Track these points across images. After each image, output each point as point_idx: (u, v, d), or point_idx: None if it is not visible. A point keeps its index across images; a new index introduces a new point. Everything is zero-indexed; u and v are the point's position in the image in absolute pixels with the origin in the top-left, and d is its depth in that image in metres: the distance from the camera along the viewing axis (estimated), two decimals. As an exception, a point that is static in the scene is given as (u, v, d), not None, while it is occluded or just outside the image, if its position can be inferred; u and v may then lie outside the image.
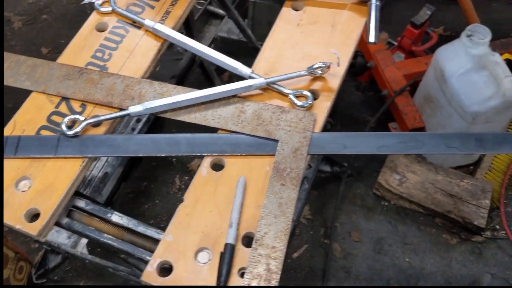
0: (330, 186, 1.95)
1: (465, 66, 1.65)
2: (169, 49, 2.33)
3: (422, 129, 1.89)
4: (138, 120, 1.59)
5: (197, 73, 1.96)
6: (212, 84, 1.76)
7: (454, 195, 1.83)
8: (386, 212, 1.94)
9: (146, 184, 1.99)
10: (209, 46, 1.06)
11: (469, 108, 1.64)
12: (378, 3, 1.10)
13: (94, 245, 1.75)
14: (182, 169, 2.04)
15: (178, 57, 2.27)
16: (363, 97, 2.20)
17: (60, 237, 1.10)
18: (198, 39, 1.08)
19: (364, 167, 2.02)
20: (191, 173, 2.03)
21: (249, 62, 1.04)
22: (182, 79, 1.46)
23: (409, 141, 0.97)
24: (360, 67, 2.18)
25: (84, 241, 1.62)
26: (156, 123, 1.42)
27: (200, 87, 1.00)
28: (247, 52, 2.03)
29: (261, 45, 1.67)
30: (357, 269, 1.80)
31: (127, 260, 1.23)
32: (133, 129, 1.62)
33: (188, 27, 1.41)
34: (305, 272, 1.80)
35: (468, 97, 1.64)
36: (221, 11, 2.28)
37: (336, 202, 1.87)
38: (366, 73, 2.16)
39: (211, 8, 2.30)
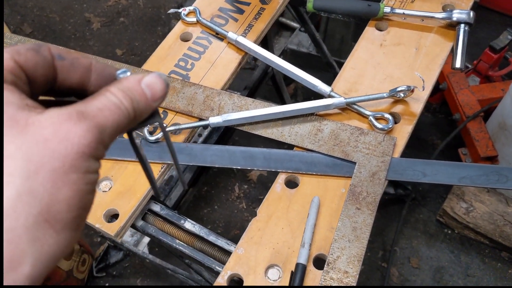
0: (393, 208, 1.91)
1: (548, 96, 1.57)
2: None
3: (494, 158, 1.81)
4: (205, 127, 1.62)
5: (268, 85, 1.98)
6: (281, 97, 1.76)
7: (526, 230, 1.74)
8: (449, 240, 1.86)
9: (207, 189, 2.02)
10: (279, 57, 1.06)
11: (551, 141, 1.56)
12: (467, 28, 1.06)
13: (153, 245, 1.80)
14: (242, 177, 2.06)
15: (246, 66, 2.30)
16: (433, 119, 2.14)
17: (124, 235, 1.13)
18: (269, 50, 1.08)
19: (429, 191, 1.95)
20: (250, 182, 2.05)
21: (317, 76, 1.03)
22: (254, 91, 1.47)
23: (492, 174, 0.93)
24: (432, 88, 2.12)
25: (145, 240, 1.67)
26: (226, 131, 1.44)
27: (269, 98, 1.01)
28: (315, 65, 2.02)
29: (335, 60, 1.66)
30: (414, 297, 1.75)
31: (190, 265, 1.25)
32: (199, 135, 1.66)
33: (264, 39, 1.42)
34: (360, 294, 1.76)
35: (550, 129, 1.56)
36: (292, 24, 2.30)
37: (397, 226, 1.82)
38: (438, 94, 2.10)
39: (283, 19, 2.32)
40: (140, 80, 0.36)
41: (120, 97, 0.34)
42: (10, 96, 0.30)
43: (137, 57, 2.43)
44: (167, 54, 1.10)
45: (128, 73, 0.37)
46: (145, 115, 0.37)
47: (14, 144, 0.28)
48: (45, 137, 0.29)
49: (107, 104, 0.33)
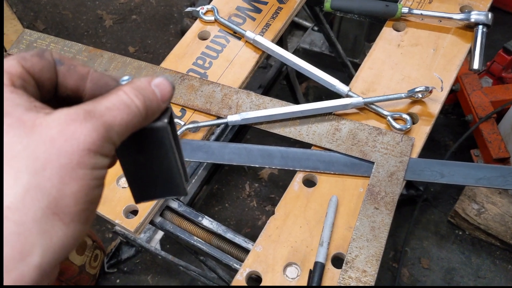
0: (404, 209, 1.90)
1: None
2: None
3: (507, 159, 1.81)
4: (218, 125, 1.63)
5: (280, 84, 1.98)
6: (294, 96, 1.76)
7: (538, 232, 1.73)
8: (460, 242, 1.86)
9: (218, 187, 2.03)
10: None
11: None
12: (485, 30, 1.06)
13: (164, 242, 1.81)
14: (253, 176, 2.06)
15: (261, 65, 2.30)
16: (445, 120, 2.13)
17: (142, 231, 1.14)
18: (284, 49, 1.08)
19: (440, 192, 1.95)
20: (261, 181, 2.05)
21: (330, 75, 1.03)
22: (269, 89, 1.48)
23: (509, 175, 0.93)
24: (449, 89, 2.12)
25: (158, 237, 1.68)
26: (240, 130, 1.45)
27: (281, 97, 1.01)
28: (328, 65, 2.03)
29: (350, 60, 1.66)
30: (425, 297, 1.75)
31: (205, 262, 1.26)
32: (211, 134, 1.66)
33: (280, 38, 1.42)
34: (370, 294, 1.76)
35: None
36: (305, 23, 2.30)
37: (408, 226, 1.82)
38: (450, 95, 2.09)
39: (296, 19, 2.32)
40: (150, 81, 0.37)
41: (131, 96, 0.35)
42: (18, 99, 0.32)
43: (150, 55, 2.44)
44: (185, 52, 1.11)
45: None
46: (156, 115, 0.38)
47: (21, 144, 0.30)
48: (52, 137, 0.30)
49: (116, 103, 0.34)
